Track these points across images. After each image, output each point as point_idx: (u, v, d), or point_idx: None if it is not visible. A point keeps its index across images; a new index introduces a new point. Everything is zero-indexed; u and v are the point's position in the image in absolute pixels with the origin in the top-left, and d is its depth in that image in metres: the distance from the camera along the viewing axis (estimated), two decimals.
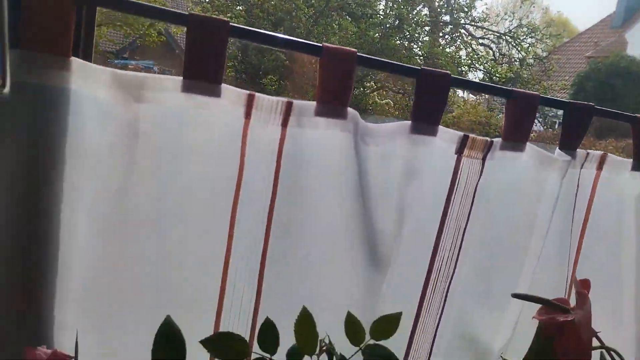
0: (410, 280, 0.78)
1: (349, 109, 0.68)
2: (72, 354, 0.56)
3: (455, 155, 0.75)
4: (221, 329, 0.69)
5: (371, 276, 0.74)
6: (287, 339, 0.60)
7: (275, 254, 0.70)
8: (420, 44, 11.57)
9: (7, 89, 0.52)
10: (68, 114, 0.59)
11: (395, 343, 0.63)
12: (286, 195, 0.68)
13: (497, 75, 11.00)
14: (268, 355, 0.58)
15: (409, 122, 0.72)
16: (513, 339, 0.85)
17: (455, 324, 0.82)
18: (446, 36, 12.05)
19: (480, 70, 11.40)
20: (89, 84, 0.59)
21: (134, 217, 0.64)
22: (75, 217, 0.62)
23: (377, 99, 10.71)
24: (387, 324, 0.60)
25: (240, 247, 0.68)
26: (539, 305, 0.67)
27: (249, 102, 0.64)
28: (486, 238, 0.79)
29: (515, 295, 0.72)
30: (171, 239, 0.66)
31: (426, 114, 0.72)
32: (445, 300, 0.80)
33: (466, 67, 11.32)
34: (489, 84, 0.80)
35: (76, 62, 0.58)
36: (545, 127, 11.04)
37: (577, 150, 0.83)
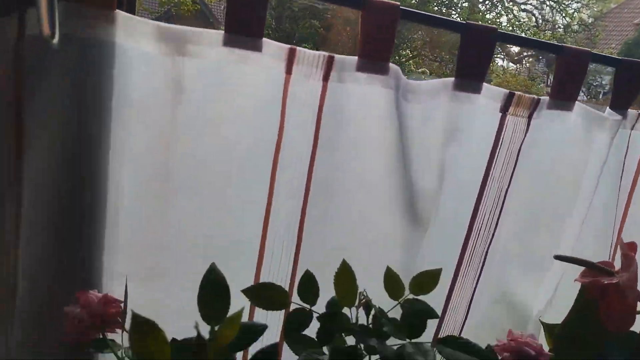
0: (449, 241, 0.77)
1: (391, 65, 0.67)
2: (122, 300, 0.59)
3: (500, 114, 0.73)
4: (261, 281, 0.70)
5: (410, 235, 0.74)
6: (324, 294, 0.61)
7: (315, 210, 0.70)
8: (459, 10, 11.18)
9: (56, 40, 0.53)
10: (114, 67, 0.60)
11: (432, 300, 0.63)
12: (326, 151, 0.68)
13: None
14: (308, 306, 0.59)
15: (452, 79, 0.70)
16: (552, 303, 0.84)
17: (493, 285, 0.81)
18: (486, 2, 11.59)
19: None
20: (133, 37, 0.60)
21: (178, 170, 0.65)
22: (122, 169, 0.63)
23: (412, 68, 10.47)
24: (427, 280, 0.60)
25: (281, 202, 0.69)
26: (581, 269, 0.66)
27: (290, 57, 0.63)
28: (529, 199, 0.77)
29: (558, 257, 0.70)
30: (214, 192, 0.67)
31: (470, 70, 0.70)
32: (484, 261, 0.79)
33: None
34: (537, 39, 0.77)
35: (121, 14, 0.59)
36: (589, 97, 10.61)
37: (629, 110, 0.79)
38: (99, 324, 0.57)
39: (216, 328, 0.47)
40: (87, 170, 0.62)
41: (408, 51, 10.52)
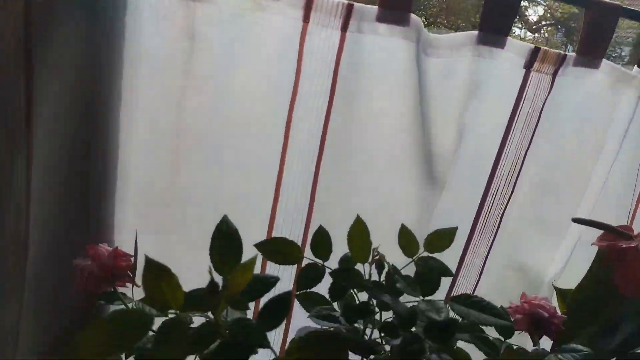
0: (466, 201, 0.76)
1: (412, 16, 0.64)
2: (132, 254, 0.58)
3: (524, 70, 0.70)
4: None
5: (425, 194, 0.72)
6: (337, 253, 0.59)
7: (329, 167, 0.69)
8: None
9: None
10: (125, 12, 0.58)
11: (445, 262, 0.62)
12: (342, 105, 0.66)
13: (561, 10, 10.22)
14: (320, 261, 0.58)
15: (476, 32, 0.67)
16: (565, 268, 0.83)
17: (507, 248, 0.80)
18: None
19: (541, 5, 10.65)
20: None
21: (191, 121, 0.63)
22: (133, 120, 0.62)
23: None
24: (442, 238, 0.59)
25: (294, 158, 0.68)
26: (597, 234, 0.64)
27: (308, 4, 0.61)
28: (549, 160, 0.75)
29: (576, 220, 0.69)
30: (227, 145, 0.65)
31: (495, 23, 0.67)
32: (499, 223, 0.77)
33: (526, 1, 10.57)
34: None
35: None
36: None
37: None
38: (110, 277, 0.57)
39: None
40: (98, 120, 0.60)
41: (423, 19, 10.27)
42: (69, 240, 0.62)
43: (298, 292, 0.58)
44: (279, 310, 0.47)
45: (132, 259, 0.58)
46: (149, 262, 0.39)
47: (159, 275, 0.39)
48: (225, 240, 0.50)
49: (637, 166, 0.80)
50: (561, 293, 0.75)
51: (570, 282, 0.70)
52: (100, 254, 0.58)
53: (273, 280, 0.50)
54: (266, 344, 0.45)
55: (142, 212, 0.66)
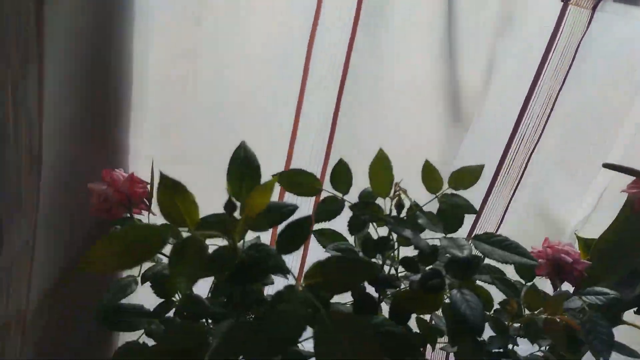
0: (492, 142, 0.72)
1: None
2: (148, 181, 0.57)
3: (561, 3, 0.65)
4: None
5: (451, 131, 0.69)
6: (355, 191, 0.57)
7: (350, 102, 0.66)
8: None
9: None
10: None
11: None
12: (366, 38, 0.63)
13: None
14: (340, 194, 0.56)
15: None
16: (590, 218, 0.81)
17: (532, 192, 0.77)
18: None
19: None
20: None
21: (209, 44, 0.61)
22: (147, 44, 0.59)
23: None
24: (467, 175, 0.56)
25: (315, 89, 0.65)
26: (626, 182, 0.62)
27: None
28: (582, 101, 0.71)
29: (607, 165, 0.66)
30: (244, 75, 0.63)
31: None
32: (526, 165, 0.74)
33: None
34: None
35: None
36: None
37: None
38: (125, 202, 0.56)
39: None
40: (109, 46, 0.58)
41: None
42: (83, 160, 0.60)
43: (315, 228, 0.57)
44: (297, 234, 0.45)
45: (149, 186, 0.57)
46: (163, 177, 0.37)
47: (173, 191, 0.38)
48: (243, 165, 0.48)
49: None
50: (584, 242, 0.73)
51: (593, 233, 0.68)
52: (116, 179, 0.56)
53: (292, 208, 0.48)
54: (284, 268, 0.43)
55: (158, 139, 0.64)
